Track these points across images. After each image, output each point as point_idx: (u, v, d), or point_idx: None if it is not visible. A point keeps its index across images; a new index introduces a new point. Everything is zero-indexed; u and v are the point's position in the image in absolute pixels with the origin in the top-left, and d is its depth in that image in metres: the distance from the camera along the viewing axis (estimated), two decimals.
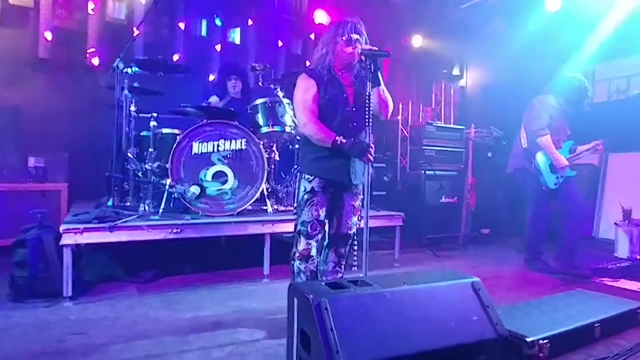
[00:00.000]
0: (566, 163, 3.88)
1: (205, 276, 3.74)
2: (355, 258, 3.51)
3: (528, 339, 2.16)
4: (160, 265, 3.75)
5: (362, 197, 2.60)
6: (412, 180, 5.58)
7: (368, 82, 2.33)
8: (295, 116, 3.23)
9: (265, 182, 3.90)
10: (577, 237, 4.01)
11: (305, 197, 2.47)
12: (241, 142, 3.79)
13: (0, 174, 4.29)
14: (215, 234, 3.62)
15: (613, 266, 3.96)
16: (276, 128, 4.09)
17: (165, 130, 3.98)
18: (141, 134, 4.05)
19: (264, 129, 4.10)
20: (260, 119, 4.13)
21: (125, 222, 3.24)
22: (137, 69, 3.87)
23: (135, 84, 3.93)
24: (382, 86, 2.45)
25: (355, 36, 2.42)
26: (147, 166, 3.76)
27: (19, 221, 3.60)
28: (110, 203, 3.73)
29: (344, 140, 2.34)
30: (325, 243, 2.67)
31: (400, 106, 6.19)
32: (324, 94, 2.45)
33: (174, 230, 3.35)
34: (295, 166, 4.37)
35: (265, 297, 3.23)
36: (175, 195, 3.62)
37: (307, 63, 6.05)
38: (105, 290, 3.28)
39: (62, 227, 3.00)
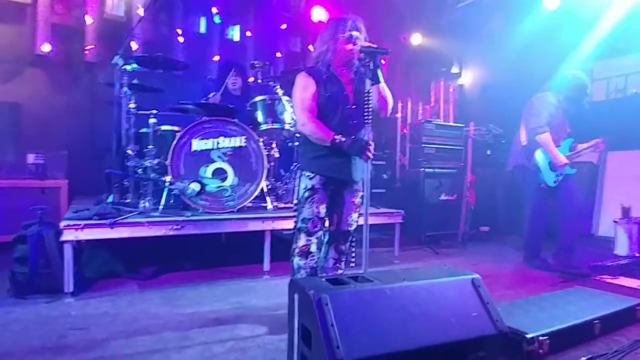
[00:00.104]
0: (565, 161, 3.87)
1: (205, 273, 3.74)
2: (354, 255, 3.54)
3: (528, 336, 2.17)
4: (161, 261, 3.75)
5: (362, 194, 2.61)
6: (412, 178, 5.58)
7: (367, 80, 2.33)
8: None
9: (265, 179, 3.90)
10: (575, 236, 3.99)
11: (306, 194, 2.48)
12: (241, 140, 3.80)
13: (0, 170, 4.28)
14: (215, 231, 3.63)
15: (612, 264, 3.98)
16: (276, 125, 4.09)
17: (164, 128, 3.98)
18: (141, 131, 4.04)
19: (264, 126, 4.10)
20: (259, 116, 4.13)
21: (125, 218, 3.25)
22: (136, 65, 3.87)
23: (135, 81, 3.93)
24: (382, 83, 2.45)
25: (355, 33, 2.42)
26: (147, 163, 3.76)
27: (19, 218, 3.60)
28: (110, 200, 3.75)
29: (343, 139, 2.35)
30: (325, 240, 2.68)
31: (400, 104, 6.18)
32: (323, 91, 2.45)
33: (175, 227, 3.35)
34: (295, 163, 4.37)
35: (266, 294, 3.24)
36: (176, 192, 3.62)
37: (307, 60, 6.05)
38: (106, 287, 3.28)
39: (62, 223, 3.01)
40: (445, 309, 1.89)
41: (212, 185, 3.66)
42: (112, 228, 3.14)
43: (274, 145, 4.32)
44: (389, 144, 6.17)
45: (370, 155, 2.34)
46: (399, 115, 6.13)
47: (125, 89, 3.85)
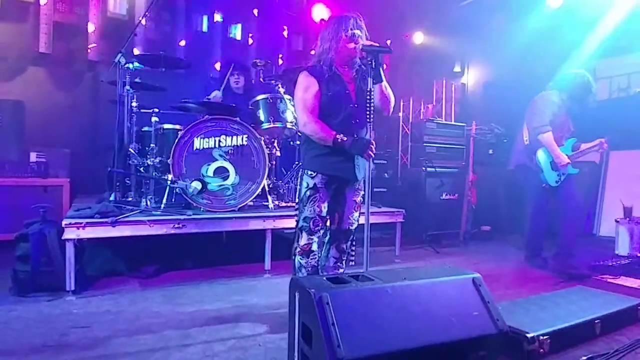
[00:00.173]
0: (567, 161, 3.83)
1: (206, 271, 3.75)
2: (354, 253, 3.53)
3: (529, 335, 2.17)
4: (162, 260, 3.76)
5: (363, 192, 2.61)
6: (413, 177, 5.58)
7: (369, 78, 2.33)
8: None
9: (266, 178, 3.90)
10: (575, 238, 3.95)
11: (308, 193, 2.48)
12: (242, 138, 3.80)
13: (2, 168, 4.29)
14: (216, 230, 3.63)
15: (614, 263, 3.97)
16: (277, 124, 4.09)
17: (166, 126, 3.99)
18: (143, 129, 4.05)
19: (265, 125, 4.10)
20: (261, 115, 4.13)
21: (127, 217, 3.26)
22: (138, 64, 3.88)
23: (137, 80, 3.94)
24: (385, 82, 2.44)
25: (357, 32, 2.41)
26: (148, 161, 3.77)
27: (21, 216, 3.61)
28: (112, 198, 3.75)
29: (345, 138, 2.34)
30: (327, 239, 2.68)
31: (401, 103, 6.19)
32: (326, 91, 2.44)
33: (176, 226, 3.36)
34: (297, 162, 4.38)
35: (267, 292, 3.25)
36: (177, 191, 3.63)
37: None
38: (108, 285, 3.29)
39: (64, 222, 3.01)
40: (446, 308, 1.89)
41: (214, 184, 3.67)
42: (114, 226, 3.15)
43: (275, 144, 4.33)
44: (391, 143, 6.17)
45: (371, 154, 2.34)
46: (400, 114, 6.12)
47: (127, 87, 3.86)
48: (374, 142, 2.36)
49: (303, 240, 2.50)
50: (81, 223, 3.04)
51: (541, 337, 2.18)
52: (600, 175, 5.65)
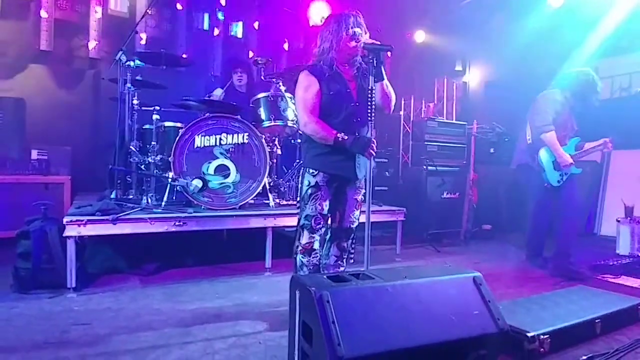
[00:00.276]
0: (570, 161, 3.78)
1: (207, 269, 3.75)
2: (353, 252, 3.53)
3: (529, 334, 2.17)
4: (163, 258, 3.77)
5: (364, 191, 2.61)
6: (414, 175, 5.58)
7: (370, 77, 2.32)
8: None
9: (267, 176, 3.91)
10: (574, 237, 3.93)
11: (309, 191, 2.47)
12: (243, 136, 3.80)
13: (3, 166, 4.29)
14: (217, 227, 3.63)
15: (614, 263, 3.97)
16: (278, 122, 4.09)
17: (167, 124, 3.99)
18: (144, 127, 4.06)
19: (266, 123, 4.10)
20: (262, 113, 4.13)
21: (128, 214, 3.26)
22: (139, 62, 3.88)
23: (138, 77, 3.94)
24: (386, 80, 2.44)
25: (358, 30, 2.40)
26: (149, 159, 3.78)
27: (22, 213, 3.62)
28: (113, 196, 3.75)
29: (346, 137, 2.34)
30: (328, 237, 2.68)
31: (403, 101, 6.18)
32: (327, 90, 2.43)
33: (177, 223, 3.36)
34: (298, 160, 4.38)
35: (267, 290, 3.25)
36: (178, 189, 3.63)
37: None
38: (109, 282, 3.30)
39: (65, 219, 3.02)
40: (447, 307, 1.89)
41: (215, 181, 3.67)
42: (115, 224, 3.15)
43: (276, 142, 4.33)
44: (392, 142, 6.16)
45: (372, 152, 2.34)
46: (401, 112, 6.12)
47: (128, 85, 3.86)
48: (374, 141, 2.36)
49: (304, 238, 2.50)
50: (82, 220, 3.04)
51: (542, 337, 2.19)
52: (601, 175, 5.64)
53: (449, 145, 5.69)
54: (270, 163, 4.04)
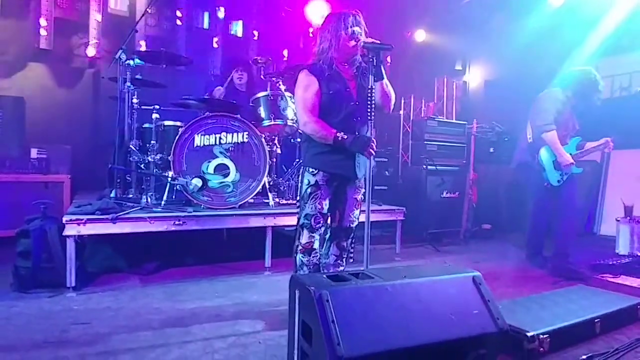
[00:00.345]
0: (571, 160, 3.76)
1: (207, 268, 3.76)
2: (352, 251, 3.53)
3: (529, 334, 2.17)
4: (163, 257, 3.77)
5: (363, 190, 2.61)
6: (414, 175, 5.58)
7: (370, 76, 2.32)
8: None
9: (267, 175, 3.90)
10: (573, 237, 3.92)
11: (309, 190, 2.47)
12: (243, 135, 3.80)
13: (3, 165, 4.29)
14: (217, 227, 3.63)
15: (614, 262, 3.96)
16: (278, 121, 4.09)
17: (167, 123, 3.99)
18: (144, 126, 4.05)
19: (266, 122, 4.10)
20: (262, 112, 4.13)
21: (127, 213, 3.26)
22: (139, 61, 3.87)
23: (138, 76, 3.93)
24: (385, 79, 2.44)
25: (356, 29, 2.39)
26: (149, 158, 3.77)
27: (22, 212, 3.62)
28: (112, 195, 3.75)
29: (345, 136, 2.34)
30: (327, 236, 2.68)
31: (402, 101, 6.17)
32: (326, 89, 2.43)
33: (176, 222, 3.36)
34: (297, 160, 4.38)
35: (267, 290, 3.25)
36: (178, 188, 3.63)
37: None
38: (108, 281, 3.30)
39: (65, 218, 3.01)
40: (446, 307, 1.89)
41: (214, 181, 3.67)
42: (115, 223, 3.15)
43: (276, 141, 4.33)
44: (392, 141, 6.16)
45: (372, 151, 2.34)
46: (401, 112, 6.12)
47: (128, 84, 3.86)
48: (374, 140, 2.35)
49: (304, 238, 2.50)
50: (82, 219, 3.04)
51: (541, 336, 2.19)
52: (601, 174, 5.64)
53: (448, 145, 5.68)
54: (270, 162, 4.04)
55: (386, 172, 5.88)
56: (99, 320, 2.54)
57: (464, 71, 7.12)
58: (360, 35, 2.39)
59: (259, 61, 4.50)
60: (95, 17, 5.27)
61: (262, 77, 4.56)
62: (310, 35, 6.54)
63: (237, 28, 6.36)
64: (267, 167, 3.86)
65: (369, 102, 2.31)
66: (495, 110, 5.91)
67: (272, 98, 4.12)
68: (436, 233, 5.28)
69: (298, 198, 2.60)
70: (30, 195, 4.05)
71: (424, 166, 5.38)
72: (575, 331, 2.36)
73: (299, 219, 2.55)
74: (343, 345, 1.61)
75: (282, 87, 4.16)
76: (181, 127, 3.78)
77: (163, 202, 3.60)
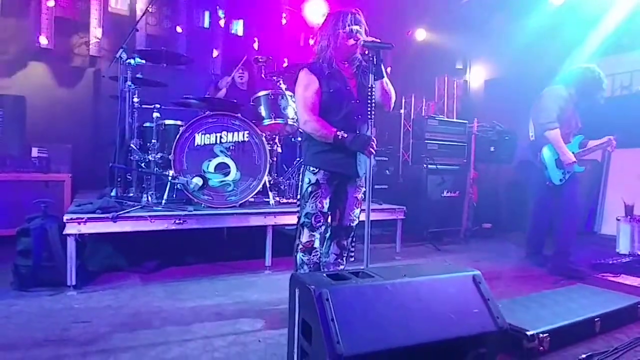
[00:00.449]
0: (573, 159, 3.72)
1: (207, 267, 3.76)
2: (354, 250, 3.54)
3: (529, 332, 2.17)
4: (163, 255, 3.77)
5: (364, 189, 2.61)
6: (414, 174, 5.57)
7: (370, 74, 2.32)
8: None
9: (267, 174, 3.91)
10: (573, 238, 3.89)
11: (310, 189, 2.47)
12: (244, 134, 3.80)
13: (4, 163, 4.30)
14: (217, 225, 3.64)
15: (614, 262, 3.96)
16: (279, 120, 4.09)
17: (168, 122, 4.00)
18: (144, 125, 4.06)
19: (267, 121, 4.10)
20: (262, 111, 4.13)
21: (128, 212, 3.26)
22: (140, 60, 3.87)
23: (139, 75, 3.93)
24: (386, 78, 2.44)
25: (355, 27, 2.39)
26: (150, 157, 3.78)
27: (23, 211, 3.63)
28: (113, 194, 3.76)
29: (345, 135, 2.34)
30: (328, 235, 2.68)
31: (403, 100, 6.17)
32: (326, 88, 2.43)
33: (177, 221, 3.37)
34: (298, 159, 4.38)
35: (267, 288, 3.25)
36: (178, 187, 3.64)
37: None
38: (109, 280, 3.30)
39: (65, 217, 3.02)
40: (446, 305, 1.89)
41: (215, 179, 3.67)
42: (115, 222, 3.16)
43: (277, 140, 4.33)
44: (392, 140, 6.16)
45: (373, 150, 2.34)
46: (402, 111, 6.12)
47: (129, 83, 3.86)
48: (374, 139, 2.35)
49: (305, 237, 2.50)
50: (82, 218, 3.05)
51: (541, 335, 2.19)
52: (602, 173, 5.63)
53: (449, 144, 5.68)
54: (271, 161, 4.04)
55: (387, 171, 5.88)
56: (99, 319, 2.55)
57: (465, 70, 7.11)
58: (360, 33, 2.39)
59: (260, 60, 4.50)
60: (95, 16, 5.27)
61: (262, 76, 4.57)
62: (311, 35, 6.54)
63: (238, 27, 6.36)
64: (268, 166, 3.86)
65: (369, 101, 2.31)
66: (495, 109, 5.91)
67: (272, 97, 4.12)
68: (436, 232, 5.27)
69: (298, 197, 2.60)
70: (31, 194, 4.06)
71: (425, 165, 5.38)
72: (575, 330, 2.36)
73: (299, 218, 2.55)
74: (343, 344, 1.61)
75: (283, 86, 4.16)
76: (182, 126, 3.79)
77: (164, 201, 3.61)
